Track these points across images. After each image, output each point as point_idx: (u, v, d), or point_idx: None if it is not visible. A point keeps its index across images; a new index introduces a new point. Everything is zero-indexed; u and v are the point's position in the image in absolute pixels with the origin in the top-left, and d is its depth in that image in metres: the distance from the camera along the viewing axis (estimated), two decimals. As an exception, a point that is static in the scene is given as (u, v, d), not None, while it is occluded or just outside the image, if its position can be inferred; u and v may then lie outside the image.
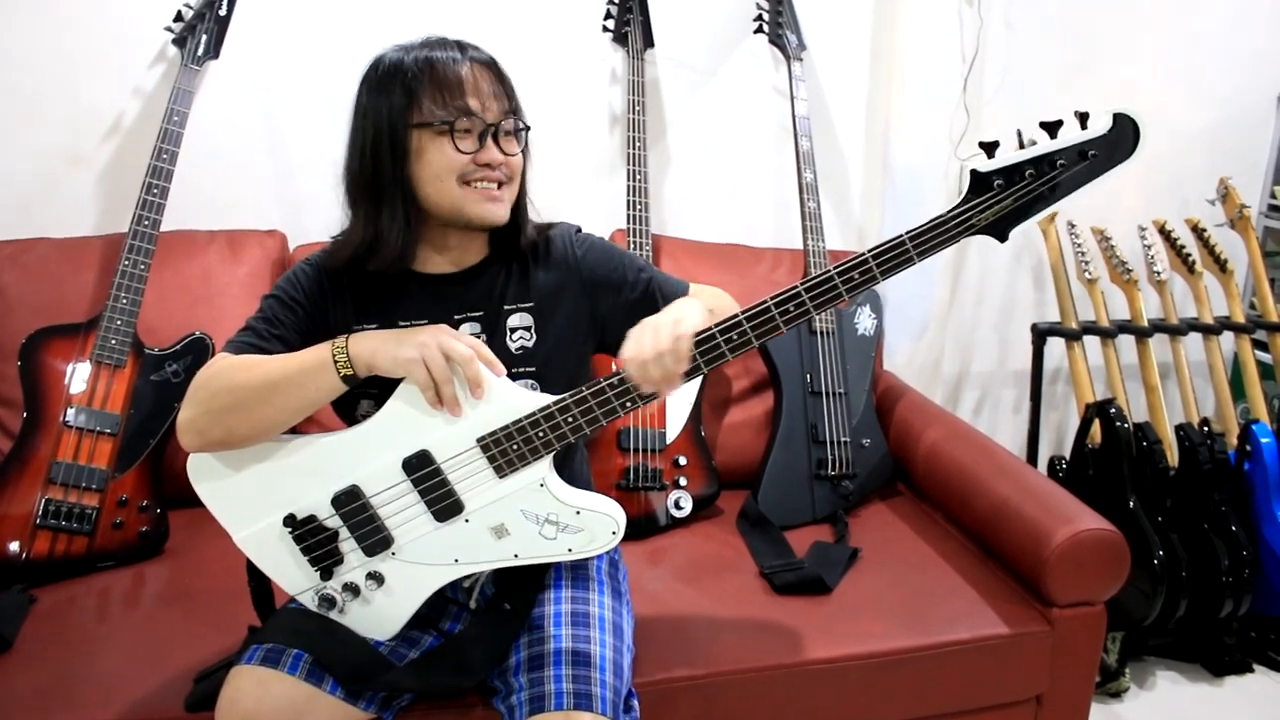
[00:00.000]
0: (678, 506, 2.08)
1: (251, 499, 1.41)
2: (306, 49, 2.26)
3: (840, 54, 2.54)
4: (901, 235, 1.28)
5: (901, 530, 2.08)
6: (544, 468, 1.36)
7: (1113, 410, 2.30)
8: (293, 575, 1.43)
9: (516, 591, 1.46)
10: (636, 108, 2.24)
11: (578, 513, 1.37)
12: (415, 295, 1.44)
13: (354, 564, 1.41)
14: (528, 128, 1.43)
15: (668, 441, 2.10)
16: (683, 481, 2.09)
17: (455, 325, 1.44)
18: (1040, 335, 2.55)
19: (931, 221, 1.29)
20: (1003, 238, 1.30)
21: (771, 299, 1.31)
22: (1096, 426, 2.35)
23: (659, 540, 2.04)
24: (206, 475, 1.41)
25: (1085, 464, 2.39)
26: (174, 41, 2.11)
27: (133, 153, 2.18)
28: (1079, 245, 2.54)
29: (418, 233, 1.40)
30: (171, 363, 1.96)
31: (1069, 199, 2.47)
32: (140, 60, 2.20)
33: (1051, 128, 1.27)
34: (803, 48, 2.39)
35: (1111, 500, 2.27)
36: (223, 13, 2.13)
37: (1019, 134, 1.29)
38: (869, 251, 1.29)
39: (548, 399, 1.35)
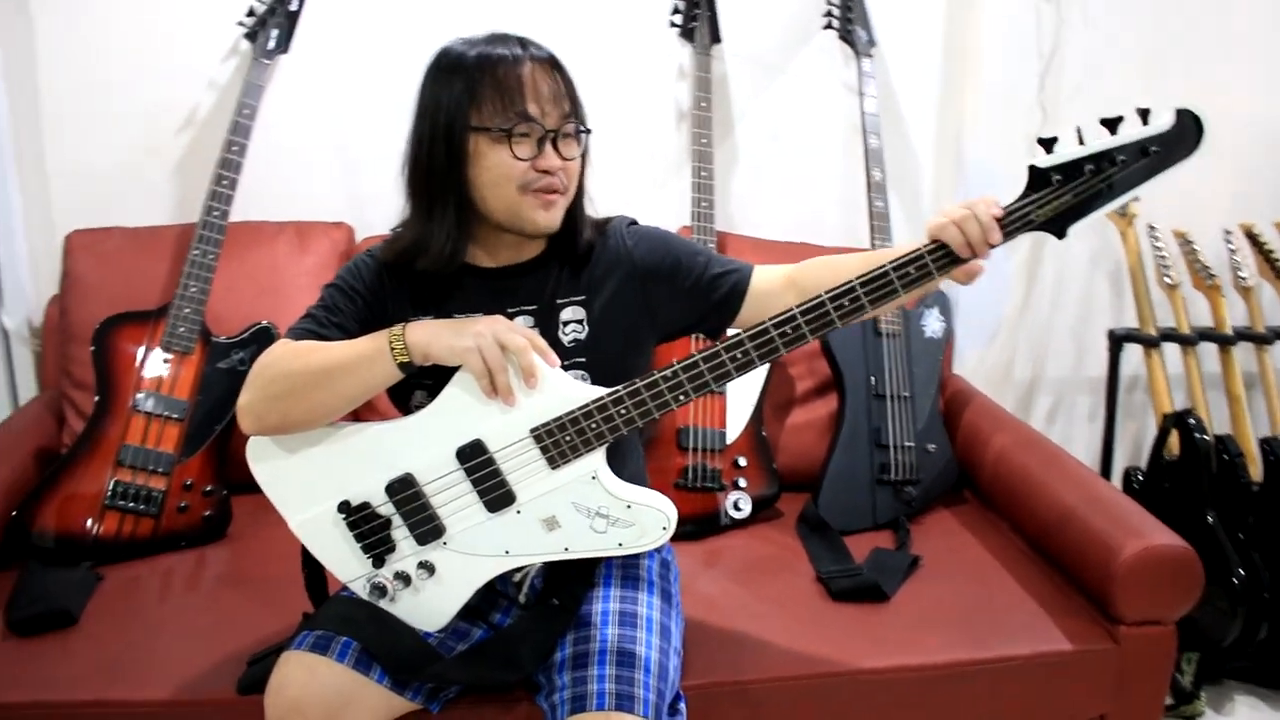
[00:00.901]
0: (736, 508, 2.05)
1: (307, 484, 1.42)
2: (375, 43, 2.28)
3: (913, 50, 2.48)
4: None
5: (965, 539, 2.03)
6: (597, 460, 1.35)
7: (1192, 421, 2.22)
8: (346, 562, 1.44)
9: (565, 587, 1.46)
10: (703, 104, 2.22)
11: (629, 506, 1.36)
12: (470, 288, 1.45)
13: (406, 552, 1.41)
14: (588, 131, 1.41)
15: (728, 441, 2.07)
16: (742, 483, 2.06)
17: (509, 318, 1.42)
18: (1117, 341, 2.47)
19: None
20: (1061, 234, 1.26)
21: (829, 293, 1.29)
22: (1174, 438, 2.27)
23: (716, 541, 2.02)
24: (264, 458, 1.42)
25: (1162, 476, 2.30)
26: (245, 36, 2.15)
27: (207, 145, 2.23)
28: (1159, 249, 2.45)
29: (468, 234, 1.41)
30: (238, 351, 2.00)
31: (1150, 200, 2.42)
32: (215, 54, 2.25)
33: (1112, 124, 1.23)
34: (873, 44, 2.34)
35: (1189, 515, 2.19)
36: (293, 8, 2.16)
37: (1078, 130, 1.24)
38: (925, 247, 1.25)
39: (601, 390, 1.34)
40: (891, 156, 2.49)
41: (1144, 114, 1.24)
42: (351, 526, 1.41)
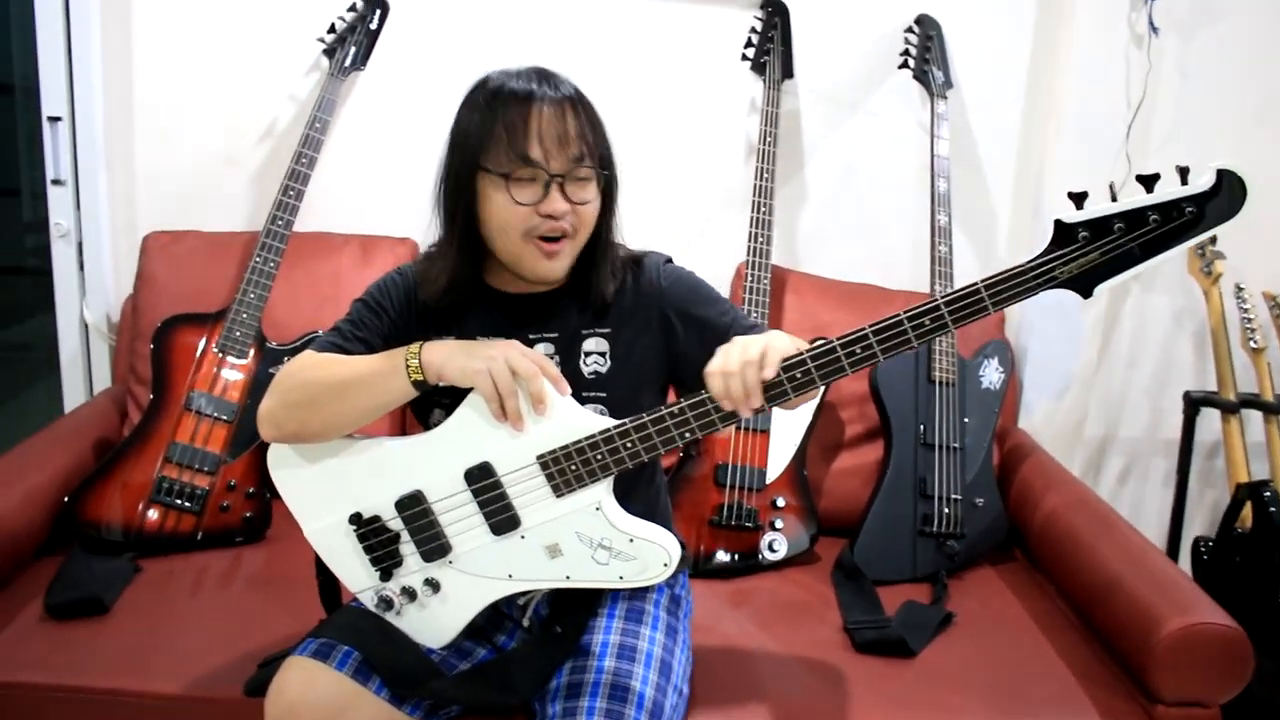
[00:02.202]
0: (771, 549, 2.01)
1: (322, 494, 1.44)
2: (451, 63, 2.32)
3: (994, 93, 2.42)
4: (976, 283, 1.21)
5: (1006, 599, 1.95)
6: (601, 491, 1.35)
7: (1268, 494, 2.09)
8: (355, 573, 1.46)
9: (569, 615, 1.45)
10: (768, 139, 2.20)
11: (631, 540, 1.35)
12: (494, 311, 1.46)
13: (413, 568, 1.42)
14: (606, 172, 1.39)
15: (767, 481, 2.04)
16: (779, 524, 2.02)
17: (529, 344, 1.43)
18: (1193, 404, 2.35)
19: (1009, 270, 1.20)
20: (1087, 294, 1.20)
21: (839, 339, 1.25)
22: (1248, 509, 2.14)
23: (747, 581, 1.98)
24: (283, 465, 1.45)
25: (1233, 549, 2.18)
26: (324, 52, 2.21)
27: (283, 156, 2.28)
28: (1246, 310, 2.33)
29: (486, 261, 1.43)
30: (290, 358, 2.04)
31: (1238, 259, 2.30)
32: (298, 69, 2.33)
33: (1148, 181, 1.16)
34: (949, 85, 2.29)
35: (1259, 592, 2.06)
36: (374, 26, 2.23)
37: (1111, 186, 1.19)
38: (941, 298, 1.21)
39: (609, 422, 1.33)
40: (968, 201, 2.45)
41: (1183, 172, 1.17)
42: (361, 539, 1.43)
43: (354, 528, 1.43)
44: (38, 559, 1.87)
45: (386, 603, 1.44)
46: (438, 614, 1.44)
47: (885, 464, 2.07)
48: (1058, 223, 1.19)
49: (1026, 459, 2.20)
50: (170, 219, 2.32)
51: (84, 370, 2.42)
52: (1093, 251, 1.18)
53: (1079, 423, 2.53)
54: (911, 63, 2.30)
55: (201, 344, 2.01)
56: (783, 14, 2.28)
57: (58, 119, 2.28)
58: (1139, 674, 1.63)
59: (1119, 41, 2.33)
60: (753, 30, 2.28)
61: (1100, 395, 2.55)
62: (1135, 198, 1.17)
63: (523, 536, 1.37)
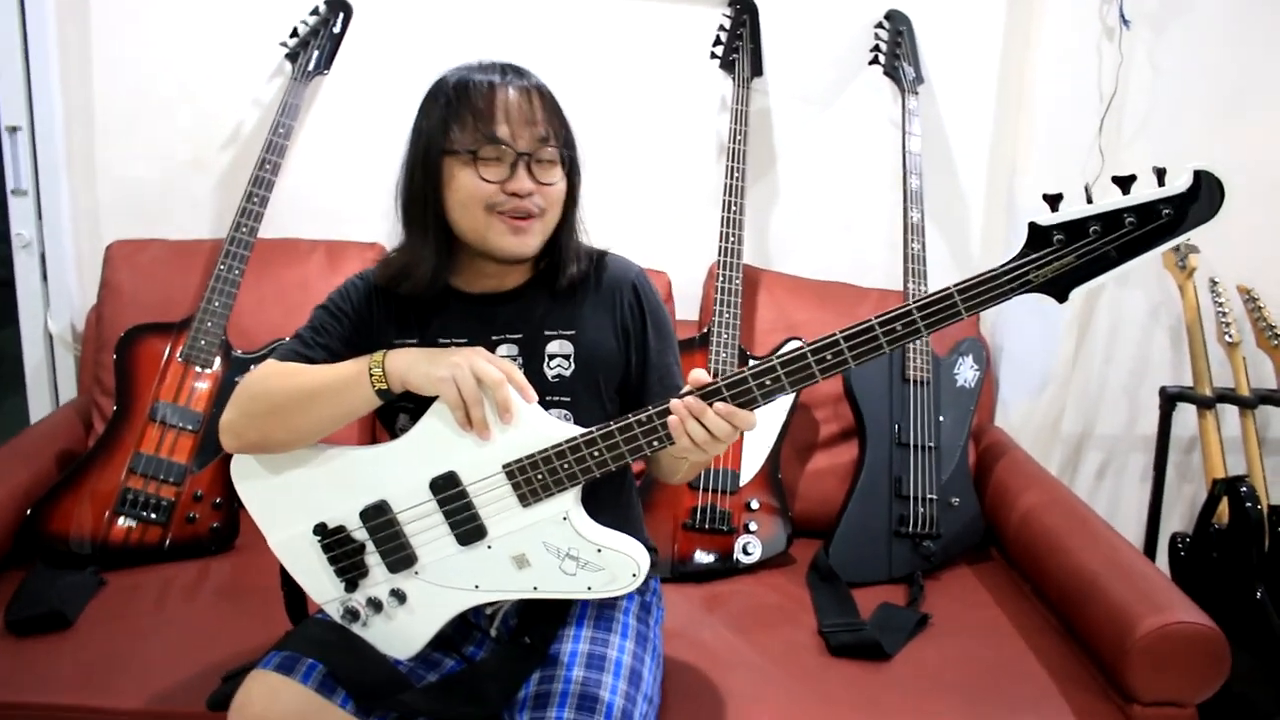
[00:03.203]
0: (745, 552, 1.99)
1: (287, 504, 1.42)
2: (416, 66, 2.28)
3: (965, 88, 2.41)
4: (949, 288, 1.19)
5: (982, 599, 1.94)
6: (568, 501, 1.32)
7: (1244, 489, 2.09)
8: (320, 584, 1.43)
9: (537, 625, 1.42)
10: (738, 137, 2.18)
11: (599, 550, 1.33)
12: (456, 313, 1.43)
13: (378, 579, 1.40)
14: (569, 156, 1.38)
15: (741, 483, 2.02)
16: (753, 526, 2.01)
17: (493, 346, 1.42)
18: (1169, 400, 2.34)
19: (982, 275, 1.18)
20: (1062, 298, 1.18)
21: (810, 345, 1.23)
22: (1225, 504, 2.13)
23: (721, 585, 1.96)
24: (247, 476, 1.43)
25: (1210, 545, 2.17)
26: (287, 56, 2.18)
27: (249, 161, 2.25)
28: (1221, 304, 2.33)
29: (450, 259, 1.40)
30: (257, 365, 2.02)
31: (1213, 253, 2.29)
32: (262, 73, 2.30)
33: (1124, 183, 1.15)
34: (920, 81, 2.28)
35: (1236, 588, 2.06)
36: (336, 30, 2.20)
37: (1086, 188, 1.17)
38: (914, 303, 1.20)
39: (576, 430, 1.31)
40: (940, 197, 2.44)
41: (1160, 174, 1.15)
42: (326, 549, 1.41)
43: (319, 538, 1.40)
44: (1, 573, 1.84)
45: (352, 614, 1.42)
46: (404, 624, 1.41)
47: (860, 464, 2.05)
48: (1032, 225, 1.17)
49: (1002, 457, 2.19)
50: (135, 227, 2.29)
51: (49, 382, 2.38)
52: (1068, 255, 1.16)
53: (1056, 419, 2.52)
54: (882, 59, 2.28)
55: (166, 353, 1.98)
56: (751, 11, 2.26)
57: (16, 128, 2.24)
58: (1115, 674, 1.62)
59: (1090, 34, 2.32)
60: (721, 28, 2.26)
61: (1077, 392, 2.54)
62: (1111, 200, 1.14)
63: (489, 547, 1.35)
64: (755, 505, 2.01)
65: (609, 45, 2.35)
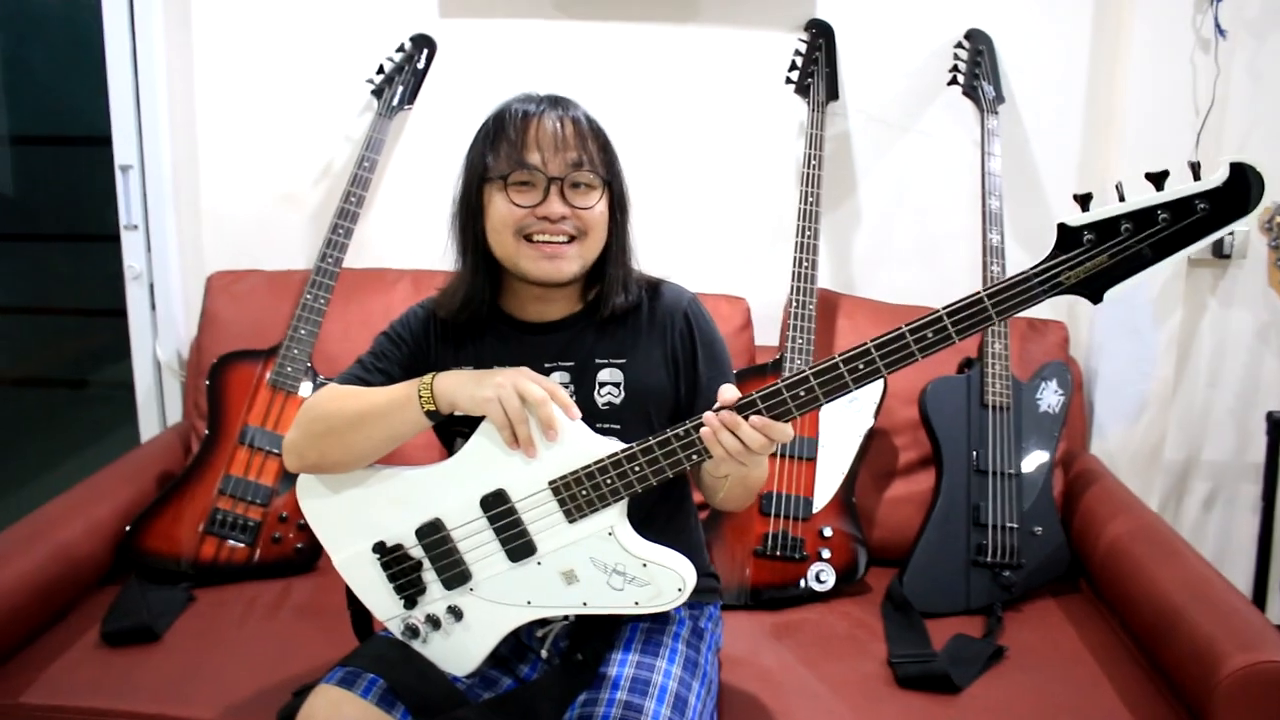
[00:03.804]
0: (819, 580, 1.96)
1: (348, 523, 1.46)
2: (495, 99, 2.34)
3: (1052, 107, 2.34)
4: (979, 292, 1.17)
5: (1065, 633, 1.86)
6: (614, 516, 1.34)
7: (1358, 521, 1.96)
8: (382, 601, 1.47)
9: (588, 645, 1.43)
10: (813, 162, 2.17)
11: (644, 565, 1.33)
12: (509, 340, 1.47)
13: (435, 596, 1.43)
14: (609, 182, 1.40)
15: (814, 510, 1.99)
16: (826, 554, 1.97)
17: (546, 373, 1.44)
18: (1276, 426, 2.21)
19: (1012, 278, 1.16)
20: (1096, 299, 1.15)
21: (842, 355, 1.22)
22: (1338, 538, 2.01)
23: (793, 613, 1.94)
24: (311, 495, 1.48)
25: (1322, 581, 2.04)
26: (373, 93, 2.27)
27: (340, 195, 2.37)
28: (1332, 326, 2.20)
29: (499, 286, 1.45)
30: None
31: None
32: (351, 109, 2.39)
33: (1158, 179, 1.10)
34: (1000, 100, 2.23)
35: (1350, 627, 1.93)
36: (420, 65, 2.28)
37: (1118, 186, 1.13)
38: (944, 309, 1.17)
39: (617, 445, 1.32)
40: (1029, 219, 2.37)
41: (1195, 168, 1.11)
42: (385, 567, 1.44)
43: (377, 556, 1.44)
44: (102, 587, 1.95)
45: (413, 630, 1.46)
46: (462, 640, 1.44)
47: (936, 492, 2.00)
48: (1061, 226, 1.15)
49: (1092, 485, 2.10)
50: (236, 259, 2.41)
51: (159, 407, 2.52)
52: (1099, 254, 1.13)
53: (1156, 446, 2.41)
54: (960, 78, 2.24)
55: (256, 379, 2.07)
56: (827, 35, 2.25)
57: (128, 167, 2.39)
58: (1200, 714, 1.53)
59: (1183, 47, 2.23)
60: (796, 53, 2.25)
61: (1179, 417, 2.43)
62: (1142, 196, 1.11)
63: (539, 563, 1.37)
64: (829, 533, 1.98)
65: (686, 75, 2.37)
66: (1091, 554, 1.98)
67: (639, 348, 1.47)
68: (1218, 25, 2.20)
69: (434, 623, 1.44)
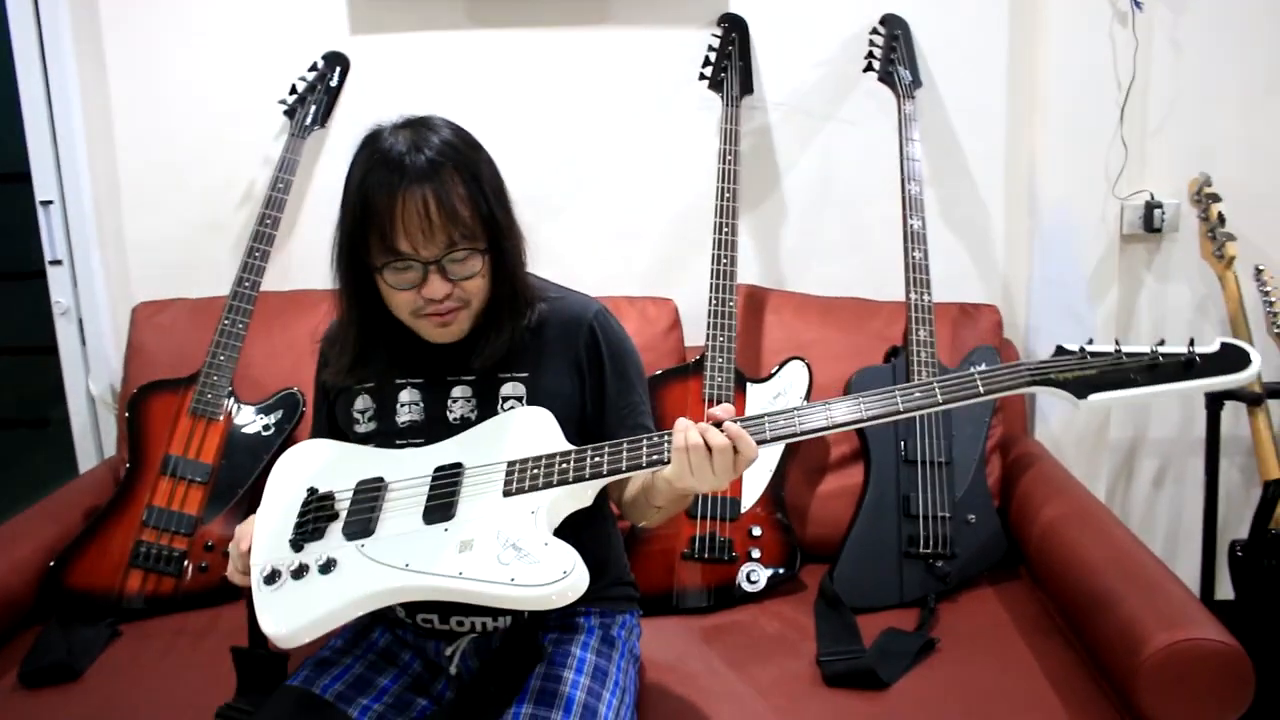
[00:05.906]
0: (750, 580, 1.94)
1: (300, 474, 1.46)
2: (415, 112, 2.34)
3: (974, 88, 2.32)
4: (972, 371, 1.27)
5: (1000, 620, 1.83)
6: (545, 500, 1.31)
7: (1298, 490, 1.93)
8: (267, 542, 1.40)
9: (498, 668, 1.41)
10: (728, 157, 2.14)
11: (545, 544, 1.29)
12: (414, 354, 1.46)
13: (327, 545, 1.36)
14: (485, 245, 1.36)
15: (742, 510, 1.96)
16: (756, 554, 1.95)
17: (448, 387, 1.45)
18: (1214, 399, 2.19)
19: (1004, 366, 1.27)
20: (1080, 395, 1.24)
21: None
22: (1280, 509, 1.98)
23: (723, 616, 1.91)
24: (293, 455, 1.51)
25: (1266, 551, 2.01)
26: (285, 113, 2.25)
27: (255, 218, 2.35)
28: (1268, 294, 2.17)
29: (379, 336, 1.46)
30: (264, 416, 2.07)
31: (1255, 240, 2.14)
32: (268, 131, 2.37)
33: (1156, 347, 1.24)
34: (917, 85, 2.21)
35: (1295, 598, 1.90)
36: (334, 84, 2.26)
37: (1116, 343, 1.26)
38: (936, 380, 1.28)
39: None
40: (958, 203, 2.36)
41: (1190, 343, 1.24)
42: (302, 510, 1.41)
43: (304, 497, 1.42)
44: (28, 628, 1.92)
45: (272, 577, 1.37)
46: (314, 593, 1.34)
47: (865, 484, 1.97)
48: (1059, 347, 1.27)
49: (1029, 469, 2.08)
50: (164, 289, 2.38)
51: (95, 442, 2.49)
52: (1090, 368, 1.24)
53: (1101, 427, 2.38)
54: (875, 64, 2.22)
55: (176, 408, 2.05)
56: (740, 29, 2.23)
57: (49, 202, 2.37)
58: (1127, 696, 1.51)
59: (1100, 20, 2.22)
60: (710, 48, 2.23)
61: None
62: (1145, 346, 1.24)
63: (445, 529, 1.33)
64: (758, 532, 1.95)
65: (602, 78, 2.35)
66: (1028, 539, 1.95)
67: (542, 361, 1.45)
68: (1133, -3, 2.18)
69: (298, 573, 1.35)
